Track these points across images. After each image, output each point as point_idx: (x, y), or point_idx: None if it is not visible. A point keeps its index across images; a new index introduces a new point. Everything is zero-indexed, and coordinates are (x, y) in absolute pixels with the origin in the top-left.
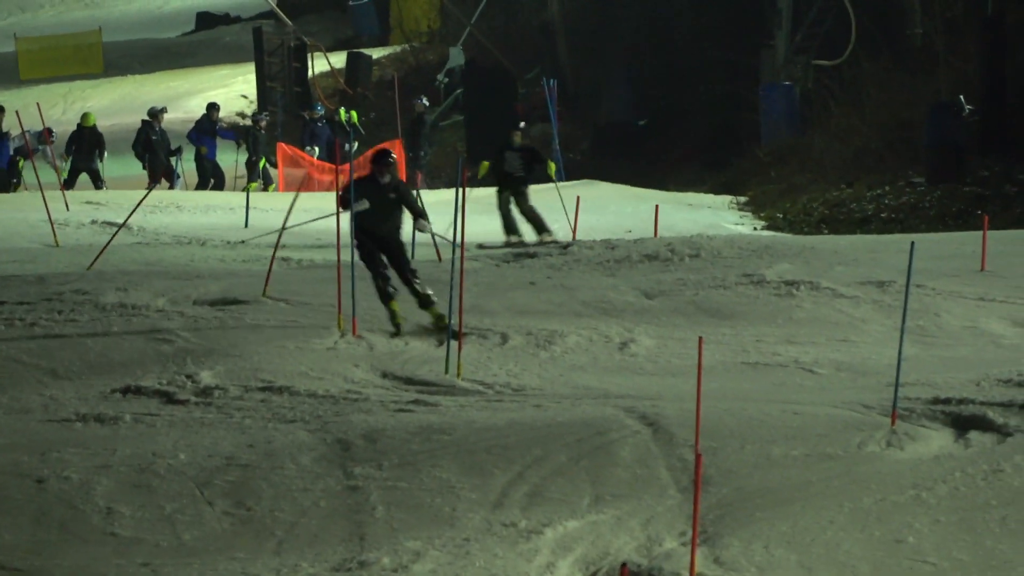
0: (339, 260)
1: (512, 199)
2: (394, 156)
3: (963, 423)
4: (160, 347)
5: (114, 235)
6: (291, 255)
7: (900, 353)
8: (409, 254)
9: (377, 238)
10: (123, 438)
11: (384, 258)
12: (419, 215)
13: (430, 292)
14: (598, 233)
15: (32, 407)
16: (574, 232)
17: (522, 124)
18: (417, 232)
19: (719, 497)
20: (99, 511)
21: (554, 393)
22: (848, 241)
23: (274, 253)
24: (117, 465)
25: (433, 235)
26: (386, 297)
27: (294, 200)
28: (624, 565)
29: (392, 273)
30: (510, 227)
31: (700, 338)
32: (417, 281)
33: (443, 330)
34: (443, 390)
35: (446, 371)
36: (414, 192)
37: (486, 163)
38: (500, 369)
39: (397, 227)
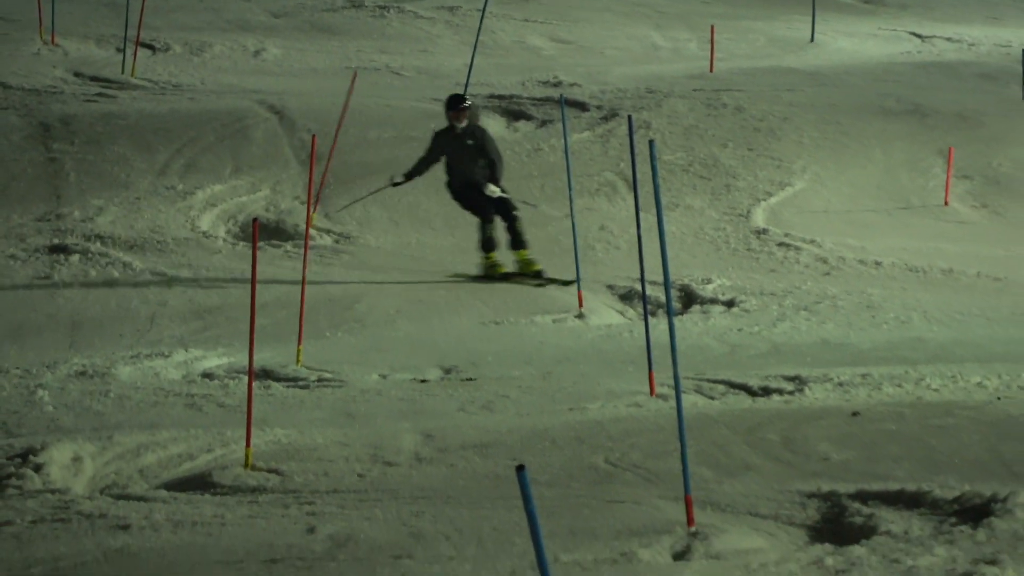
0: None
1: None
2: (469, 101)
3: (513, 114)
4: None
5: None
6: None
7: (471, 63)
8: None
9: (471, 186)
10: None
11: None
12: (494, 167)
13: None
14: None
15: None
16: None
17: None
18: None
19: (330, 169)
20: None
21: (204, 89)
22: None
23: None
24: None
25: (504, 196)
26: (489, 245)
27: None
28: (255, 219)
29: (497, 219)
30: None
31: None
32: (519, 221)
33: (529, 275)
34: (120, 86)
35: (122, 71)
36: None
37: None
38: (164, 71)
39: (486, 171)
